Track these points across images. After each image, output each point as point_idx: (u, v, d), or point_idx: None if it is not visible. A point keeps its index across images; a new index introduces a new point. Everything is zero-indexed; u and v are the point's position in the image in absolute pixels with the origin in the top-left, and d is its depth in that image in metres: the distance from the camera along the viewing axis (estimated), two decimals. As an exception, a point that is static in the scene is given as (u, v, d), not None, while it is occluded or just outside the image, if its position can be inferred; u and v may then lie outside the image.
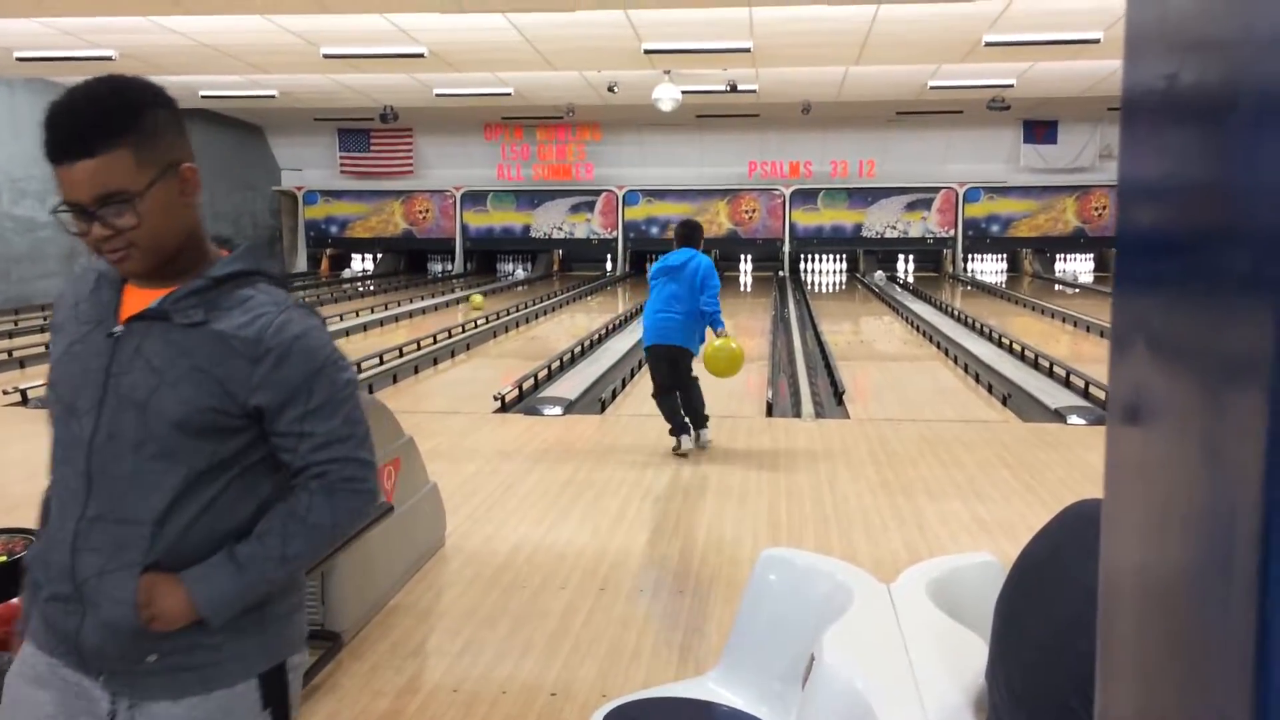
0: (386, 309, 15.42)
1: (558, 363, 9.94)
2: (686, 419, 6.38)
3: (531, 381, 8.92)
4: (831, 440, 6.73)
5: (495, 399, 7.91)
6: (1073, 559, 1.54)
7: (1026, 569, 1.64)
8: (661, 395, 6.40)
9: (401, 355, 10.44)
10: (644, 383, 9.10)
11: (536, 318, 14.92)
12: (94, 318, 1.52)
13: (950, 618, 2.02)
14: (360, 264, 25.01)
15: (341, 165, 23.58)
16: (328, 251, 24.61)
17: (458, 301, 17.38)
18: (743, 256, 23.94)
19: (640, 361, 10.01)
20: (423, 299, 17.14)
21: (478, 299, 17.62)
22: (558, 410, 7.67)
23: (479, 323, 13.31)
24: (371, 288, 20.42)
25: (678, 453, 6.30)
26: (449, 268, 24.36)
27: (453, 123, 22.02)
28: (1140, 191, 0.56)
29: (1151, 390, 0.54)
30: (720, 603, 3.90)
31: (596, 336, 12.09)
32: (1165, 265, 0.53)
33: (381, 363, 9.90)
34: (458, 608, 3.87)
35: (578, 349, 10.95)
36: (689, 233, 6.59)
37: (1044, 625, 1.51)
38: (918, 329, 13.01)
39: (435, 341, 11.48)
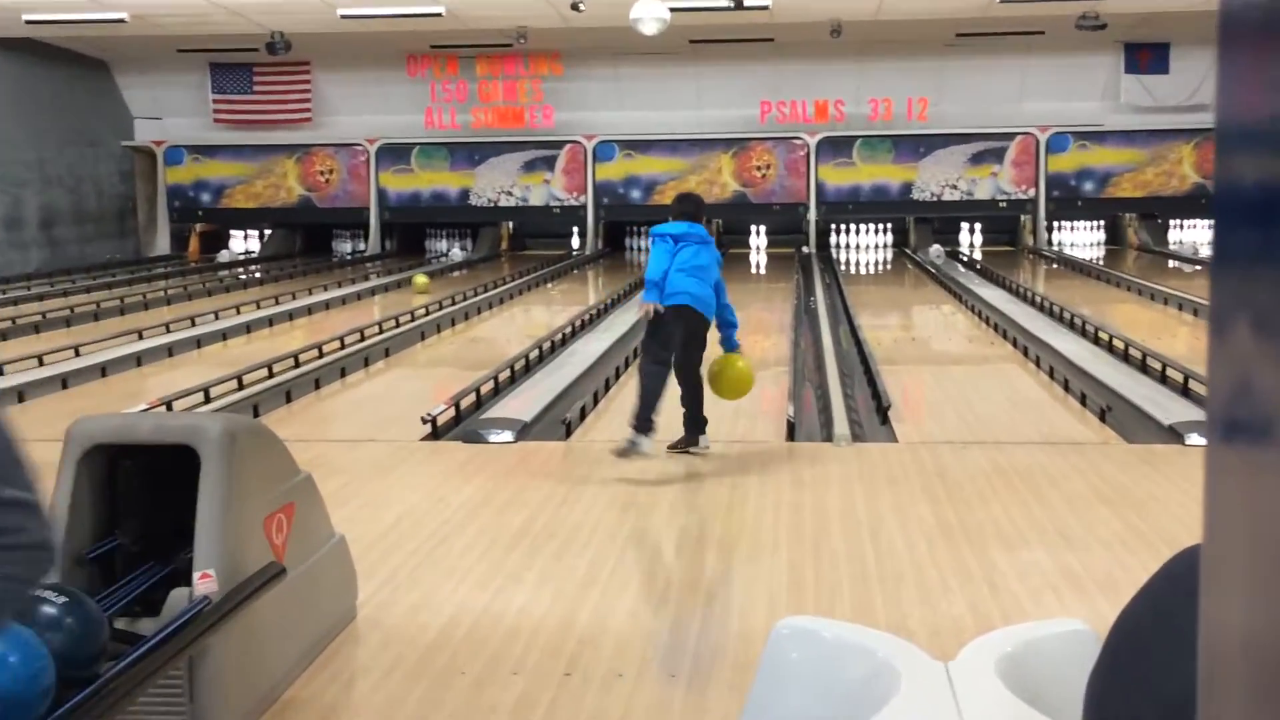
0: (277, 304, 15.39)
1: (507, 373, 9.92)
2: (653, 418, 6.67)
3: (473, 398, 8.92)
4: (874, 471, 6.74)
5: (424, 421, 7.92)
6: (1187, 624, 1.55)
7: (1126, 638, 1.65)
8: (655, 364, 6.74)
9: (298, 365, 10.41)
10: (622, 397, 9.11)
11: (479, 312, 14.92)
12: None
13: (1029, 705, 2.03)
14: (242, 244, 24.99)
15: (215, 112, 23.56)
16: (198, 228, 24.57)
17: (374, 292, 17.37)
18: (754, 228, 24.03)
19: (618, 369, 10.04)
20: (326, 289, 17.13)
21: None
22: (507, 436, 7.67)
23: (400, 320, 13.31)
24: (258, 276, 20.37)
25: (626, 452, 6.66)
26: (361, 248, 24.34)
27: (364, 54, 22.04)
28: (1242, 136, 0.57)
29: (1260, 395, 0.54)
30: (724, 690, 3.90)
31: (559, 337, 12.08)
32: (1276, 230, 0.54)
33: (270, 375, 9.88)
34: (373, 703, 3.87)
35: (534, 354, 10.94)
36: (690, 209, 6.99)
37: (1149, 712, 1.52)
38: (987, 321, 13.09)
39: (343, 346, 11.46)
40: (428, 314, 14.02)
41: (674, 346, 6.82)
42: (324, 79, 23.25)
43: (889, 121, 22.78)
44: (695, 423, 7.04)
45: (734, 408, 8.63)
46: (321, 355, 10.92)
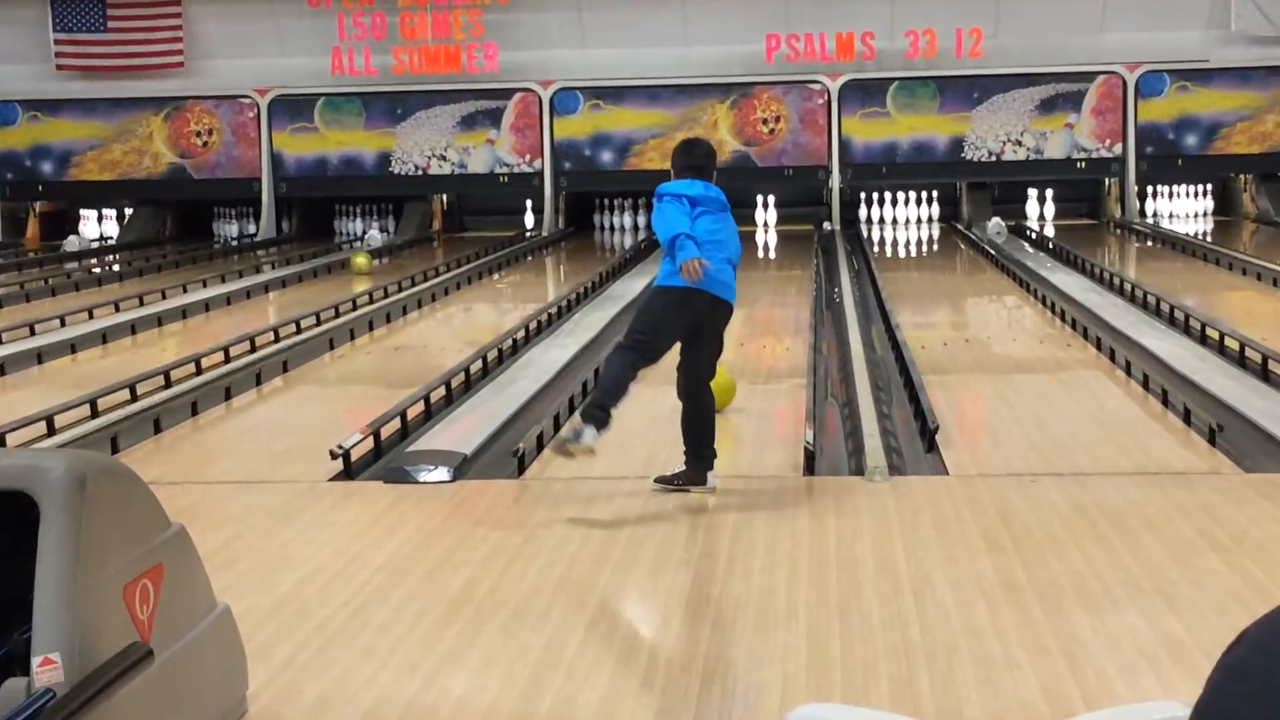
0: (142, 305, 15.35)
1: (442, 391, 9.92)
2: (609, 409, 6.80)
3: (397, 425, 8.91)
4: (917, 513, 6.76)
5: (334, 456, 7.90)
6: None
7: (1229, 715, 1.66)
8: (630, 349, 6.92)
9: (169, 385, 10.37)
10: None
11: (405, 313, 14.92)
12: None
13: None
14: (95, 228, 24.90)
15: (58, 56, 23.50)
16: (37, 207, 24.49)
17: (268, 289, 17.34)
18: (760, 198, 24.09)
19: (586, 384, 10.02)
20: (205, 286, 17.09)
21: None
22: (443, 474, 7.67)
23: (303, 325, 13.28)
24: (116, 269, 20.31)
25: (564, 446, 6.88)
26: (250, 231, 24.30)
27: (252, -22, 22.09)
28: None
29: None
30: (729, 801, 3.90)
31: (509, 344, 12.08)
32: None
33: (133, 398, 9.84)
34: (271, 824, 3.85)
35: (477, 366, 10.93)
36: (699, 161, 7.22)
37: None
38: (1063, 316, 13.13)
39: (228, 360, 11.43)
40: (338, 316, 13.99)
41: (666, 337, 6.91)
42: (199, 11, 23.24)
43: (932, 59, 22.87)
44: (700, 453, 7.01)
45: (735, 432, 8.60)
46: (200, 371, 10.89)
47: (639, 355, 6.93)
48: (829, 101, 22.88)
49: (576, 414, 6.90)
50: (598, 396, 6.91)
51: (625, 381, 6.89)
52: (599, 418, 6.79)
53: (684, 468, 7.09)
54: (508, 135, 23.28)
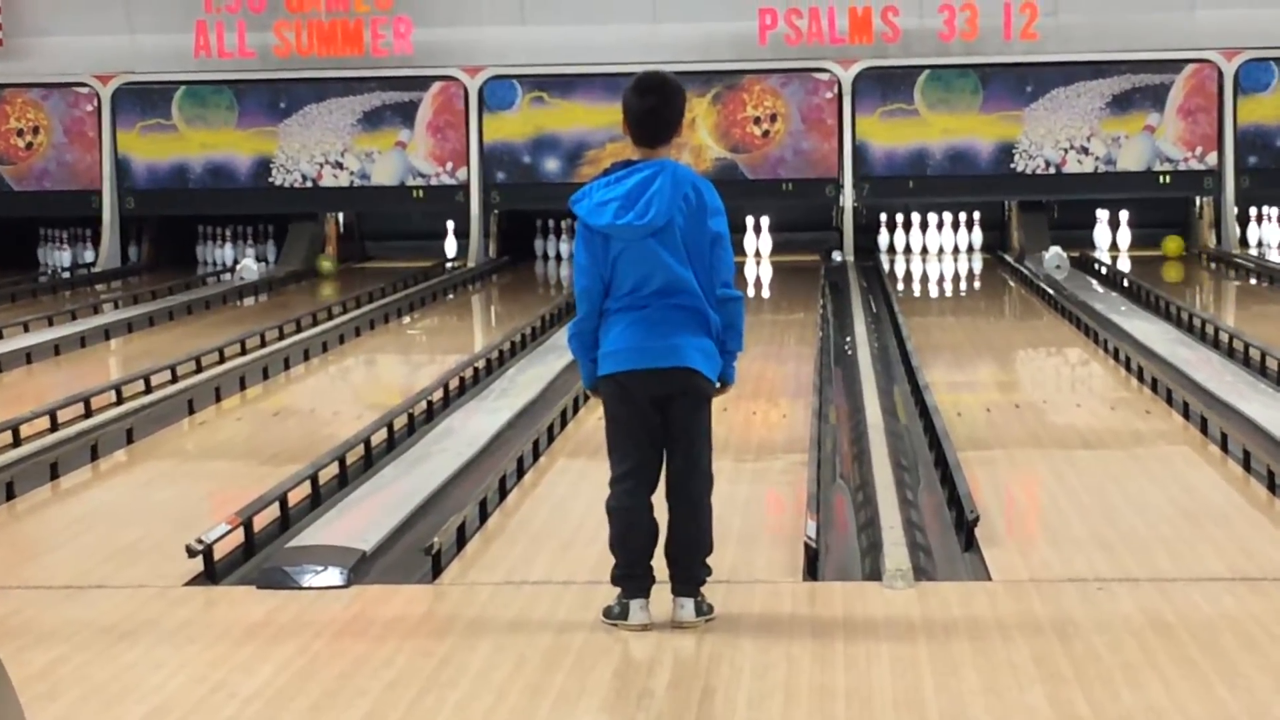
0: (-55, 354, 15.29)
1: (335, 468, 9.91)
2: (641, 571, 6.63)
3: (275, 513, 8.89)
4: (950, 629, 6.75)
5: (192, 554, 7.87)
6: None
7: None
8: (616, 489, 6.67)
9: (-23, 458, 10.36)
10: (532, 507, 9.05)
11: (287, 367, 14.90)
12: None
13: None
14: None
15: None
16: None
17: (108, 334, 17.25)
18: (751, 220, 24.12)
19: (523, 460, 10.00)
20: (27, 331, 17.02)
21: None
22: (334, 577, 7.65)
23: (154, 382, 13.23)
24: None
25: (625, 624, 6.62)
26: (88, 258, 24.18)
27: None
28: None
29: None
30: None
31: (423, 408, 12.10)
32: None
33: (-70, 476, 9.81)
34: None
35: (379, 437, 10.94)
36: (657, 106, 6.78)
37: None
38: (1140, 375, 13.17)
39: (55, 427, 11.40)
40: (200, 370, 13.96)
41: (641, 447, 6.70)
42: (24, -24, 23.24)
43: (973, 42, 23.02)
44: (693, 565, 6.86)
45: (716, 524, 8.62)
46: (18, 442, 10.90)
47: (631, 493, 6.69)
48: (839, 95, 22.98)
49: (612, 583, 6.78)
50: (621, 565, 6.73)
51: (641, 530, 6.67)
52: (636, 578, 6.67)
53: (680, 593, 6.86)
54: (424, 137, 23.31)
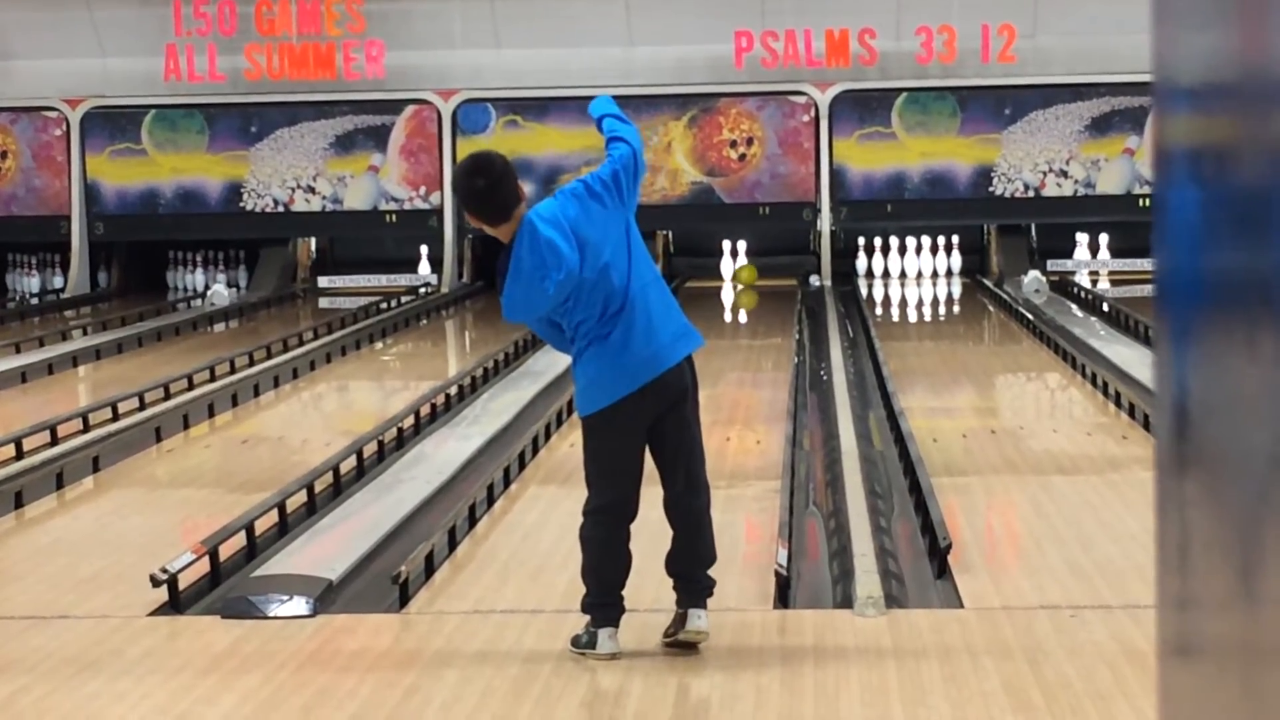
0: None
1: (303, 496, 9.85)
2: (612, 601, 6.69)
3: (241, 541, 8.83)
4: (921, 657, 6.72)
5: (156, 583, 7.84)
6: None
7: None
8: (590, 517, 6.77)
9: (-56, 484, 10.33)
10: (500, 537, 9.07)
11: (256, 394, 14.80)
12: None
13: None
14: None
15: None
16: None
17: (76, 361, 17.18)
18: (728, 245, 24.12)
19: (493, 487, 9.99)
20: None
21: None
22: (300, 606, 7.61)
23: (120, 410, 13.19)
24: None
25: (593, 653, 6.62)
26: (56, 284, 24.13)
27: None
28: None
29: None
30: None
31: (394, 434, 12.05)
32: None
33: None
34: None
35: (349, 464, 10.89)
36: (488, 187, 7.09)
37: None
38: (1118, 401, 13.16)
39: (19, 454, 11.36)
40: (168, 398, 13.90)
41: (621, 476, 6.77)
42: (-5, 0, 23.20)
43: (951, 65, 23.04)
44: (694, 578, 6.87)
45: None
46: (-15, 467, 10.81)
47: (608, 519, 6.77)
48: (816, 119, 23.01)
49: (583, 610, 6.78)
50: (592, 591, 6.76)
51: (611, 558, 6.74)
52: (600, 613, 6.68)
53: (677, 601, 6.89)
54: (397, 161, 23.31)
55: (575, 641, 6.69)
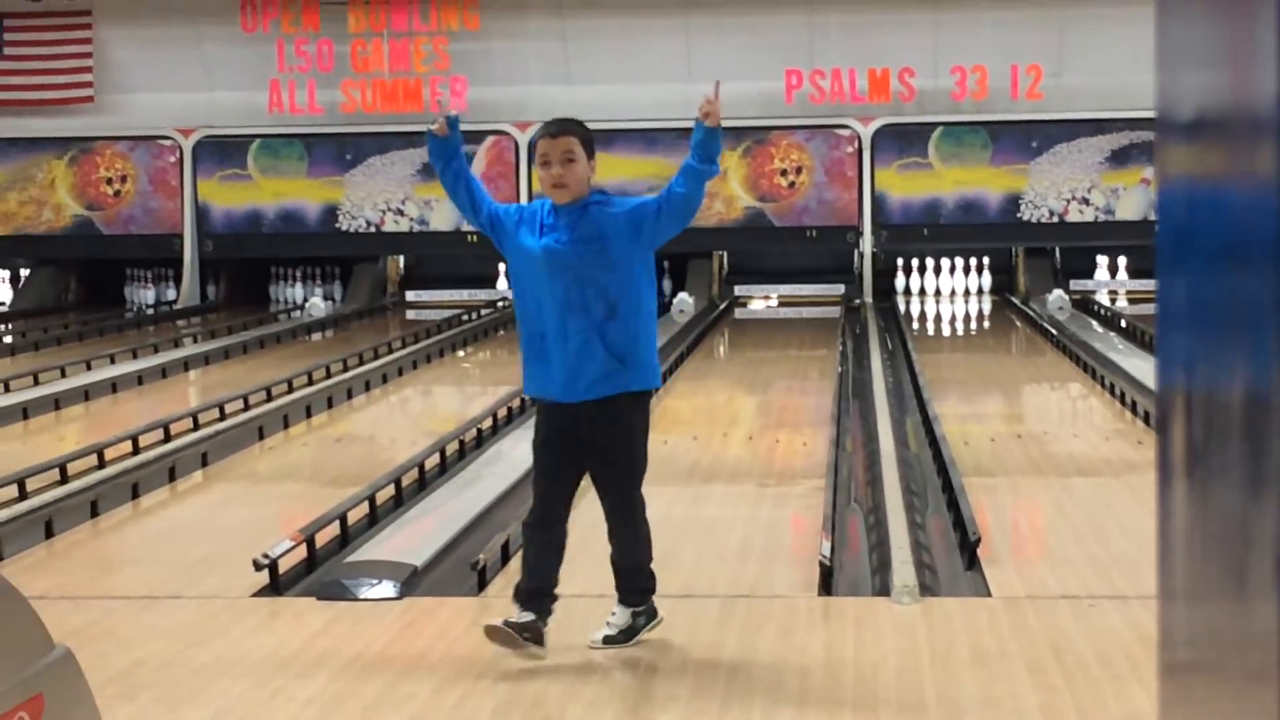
0: (37, 384, 15.32)
1: (391, 490, 9.91)
2: (545, 591, 6.61)
3: (335, 530, 8.90)
4: (952, 641, 6.74)
5: (259, 567, 7.89)
6: None
7: None
8: (541, 518, 6.77)
9: (65, 479, 10.34)
10: (573, 523, 9.10)
11: (349, 397, 14.88)
12: None
13: None
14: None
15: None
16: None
17: (188, 366, 17.29)
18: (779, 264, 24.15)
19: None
20: (113, 363, 17.04)
21: None
22: (388, 590, 7.66)
23: (229, 411, 13.26)
24: (8, 340, 20.30)
25: (514, 637, 6.43)
26: (169, 296, 24.27)
27: (175, -2, 22.23)
28: None
29: None
30: None
31: (473, 434, 12.10)
32: None
33: (22, 495, 9.81)
34: None
35: (433, 461, 10.94)
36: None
37: None
38: (1134, 409, 13.12)
39: (137, 451, 11.41)
40: (270, 400, 13.96)
41: (556, 483, 6.81)
42: (112, 36, 23.32)
43: (983, 101, 22.94)
44: (635, 582, 6.80)
45: (740, 543, 8.62)
46: (103, 464, 10.83)
47: (538, 523, 6.80)
48: (860, 150, 22.92)
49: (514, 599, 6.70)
50: (525, 582, 6.70)
51: (541, 554, 6.73)
52: (529, 601, 6.58)
53: (619, 605, 6.79)
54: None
55: (634, 626, 6.67)
